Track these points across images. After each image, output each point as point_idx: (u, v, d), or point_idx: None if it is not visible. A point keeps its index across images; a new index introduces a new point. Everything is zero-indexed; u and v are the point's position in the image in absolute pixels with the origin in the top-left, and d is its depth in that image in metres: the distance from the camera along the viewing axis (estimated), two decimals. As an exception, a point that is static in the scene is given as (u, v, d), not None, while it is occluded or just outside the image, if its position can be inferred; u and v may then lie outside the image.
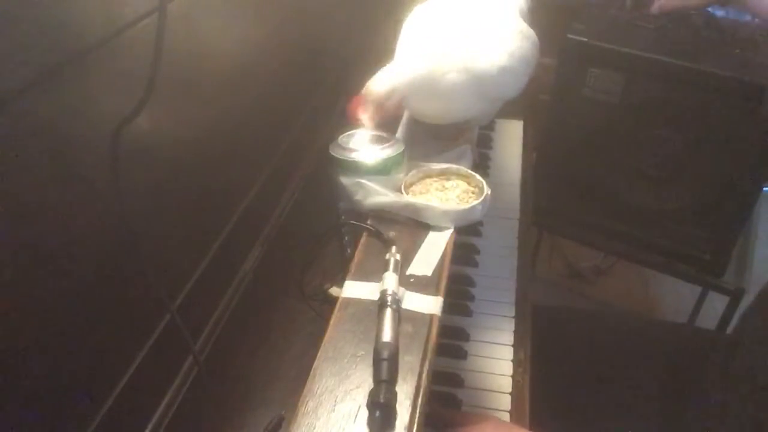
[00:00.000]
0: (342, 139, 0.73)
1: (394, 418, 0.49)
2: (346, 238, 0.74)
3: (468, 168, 0.74)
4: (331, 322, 0.56)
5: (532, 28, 0.81)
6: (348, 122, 0.77)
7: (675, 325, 1.33)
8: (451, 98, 0.74)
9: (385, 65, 0.74)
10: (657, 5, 1.14)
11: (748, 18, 1.27)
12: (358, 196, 0.69)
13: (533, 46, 0.79)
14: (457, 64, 0.71)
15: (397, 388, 0.50)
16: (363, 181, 0.69)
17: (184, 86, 0.60)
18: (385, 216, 0.69)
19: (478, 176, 0.73)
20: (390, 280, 0.59)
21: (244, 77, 0.73)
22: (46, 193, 0.44)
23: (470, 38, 0.72)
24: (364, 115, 0.73)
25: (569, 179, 1.36)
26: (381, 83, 0.72)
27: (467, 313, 0.85)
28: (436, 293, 0.60)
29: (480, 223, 0.98)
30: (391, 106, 0.73)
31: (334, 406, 0.49)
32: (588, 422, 0.89)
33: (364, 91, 0.73)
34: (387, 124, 0.77)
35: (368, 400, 0.49)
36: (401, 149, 0.72)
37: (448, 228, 0.68)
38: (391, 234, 0.66)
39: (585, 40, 1.21)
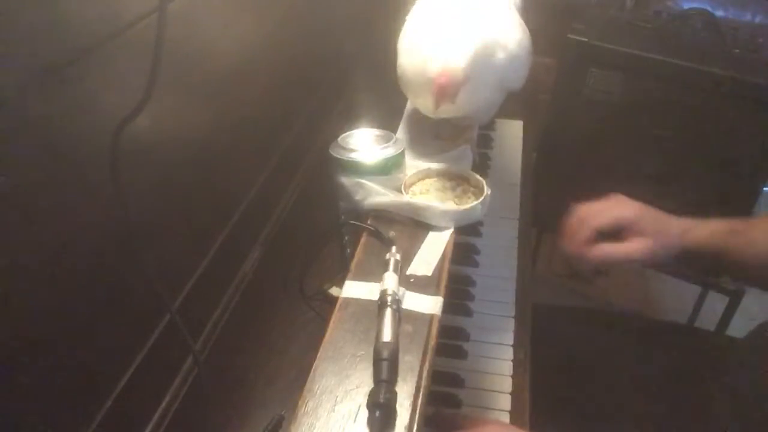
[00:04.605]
0: (342, 139, 0.73)
1: (394, 418, 0.48)
2: (346, 238, 0.74)
3: (468, 168, 0.74)
4: (331, 322, 0.56)
5: (526, 26, 0.81)
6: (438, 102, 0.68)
7: (675, 325, 1.34)
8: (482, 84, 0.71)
9: (385, 65, 0.74)
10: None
11: (748, 18, 1.27)
12: (358, 196, 0.69)
13: (529, 40, 0.79)
14: (490, 37, 0.69)
15: (397, 388, 0.50)
16: (363, 181, 0.69)
17: (185, 86, 0.60)
18: (385, 216, 0.69)
19: (478, 176, 0.73)
20: (390, 280, 0.59)
21: (244, 77, 0.73)
22: (46, 193, 0.44)
23: (482, 20, 0.71)
24: (444, 99, 0.66)
25: (569, 179, 1.36)
26: (458, 59, 0.66)
27: (467, 313, 0.85)
28: (436, 293, 0.60)
29: (480, 223, 0.98)
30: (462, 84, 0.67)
31: (334, 406, 0.49)
32: (588, 422, 0.89)
33: (442, 71, 0.65)
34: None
35: (368, 400, 0.49)
36: (401, 149, 0.72)
37: (448, 228, 0.68)
38: (391, 234, 0.66)
39: (585, 40, 1.21)
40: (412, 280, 0.61)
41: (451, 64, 0.65)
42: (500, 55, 0.71)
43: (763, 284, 1.16)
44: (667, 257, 0.79)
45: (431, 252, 0.65)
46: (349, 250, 0.72)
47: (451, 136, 0.84)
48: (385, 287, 0.58)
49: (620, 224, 0.79)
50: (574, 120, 1.29)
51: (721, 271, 0.90)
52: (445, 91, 0.66)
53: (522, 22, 0.79)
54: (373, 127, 0.75)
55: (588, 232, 0.79)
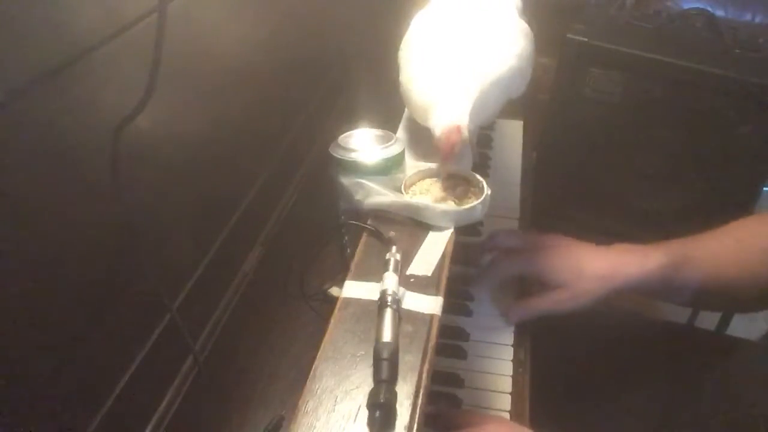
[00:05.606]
0: (342, 139, 0.73)
1: (394, 418, 0.48)
2: (346, 238, 0.74)
3: (468, 168, 0.74)
4: (331, 322, 0.56)
5: (526, 22, 0.80)
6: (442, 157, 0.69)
7: (675, 325, 1.33)
8: (484, 108, 0.71)
9: (385, 65, 0.74)
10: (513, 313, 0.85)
11: (748, 18, 1.27)
12: (358, 196, 0.69)
13: (532, 42, 0.79)
14: (489, 75, 0.70)
15: (397, 388, 0.50)
16: (363, 181, 0.69)
17: (185, 86, 0.60)
18: (385, 216, 0.69)
19: (478, 176, 0.73)
20: (390, 280, 0.59)
21: (244, 77, 0.73)
22: (46, 193, 0.44)
23: (483, 46, 0.72)
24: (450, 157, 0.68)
25: (569, 179, 1.36)
26: (461, 118, 0.66)
27: (467, 313, 0.85)
28: (436, 293, 0.60)
29: (480, 223, 0.98)
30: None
31: (334, 406, 0.49)
32: (587, 422, 0.89)
33: (446, 137, 0.66)
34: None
35: (368, 400, 0.49)
36: (401, 149, 0.72)
37: (448, 228, 0.68)
38: (391, 234, 0.66)
39: (585, 40, 1.21)
40: (412, 280, 0.61)
41: (455, 127, 0.65)
42: (501, 81, 0.71)
43: (712, 308, 1.14)
44: (593, 301, 0.81)
45: (431, 252, 0.65)
46: (349, 250, 0.72)
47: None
48: (385, 287, 0.58)
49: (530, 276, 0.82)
50: (574, 120, 1.29)
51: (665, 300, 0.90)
52: (452, 152, 0.67)
53: (522, 27, 0.78)
54: (373, 127, 0.75)
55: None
